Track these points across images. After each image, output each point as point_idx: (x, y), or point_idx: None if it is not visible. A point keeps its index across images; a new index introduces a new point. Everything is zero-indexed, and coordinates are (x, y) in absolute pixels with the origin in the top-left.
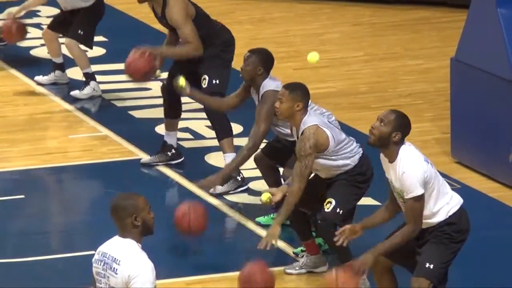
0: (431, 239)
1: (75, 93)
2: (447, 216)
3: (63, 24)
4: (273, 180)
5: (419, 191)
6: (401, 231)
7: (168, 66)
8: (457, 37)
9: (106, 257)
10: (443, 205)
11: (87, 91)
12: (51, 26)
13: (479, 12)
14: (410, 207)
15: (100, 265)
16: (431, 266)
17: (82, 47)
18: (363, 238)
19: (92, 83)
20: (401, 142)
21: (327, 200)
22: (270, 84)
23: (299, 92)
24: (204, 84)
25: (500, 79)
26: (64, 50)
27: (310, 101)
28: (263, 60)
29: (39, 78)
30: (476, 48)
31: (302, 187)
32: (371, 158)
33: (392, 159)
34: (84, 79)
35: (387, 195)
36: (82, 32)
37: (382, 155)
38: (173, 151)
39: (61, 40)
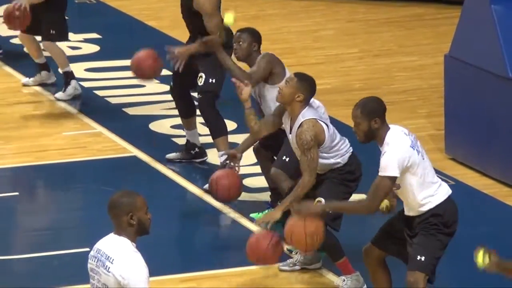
0: (420, 231)
1: (59, 95)
2: (433, 207)
3: (33, 24)
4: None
5: (391, 172)
6: (357, 202)
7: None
8: (451, 34)
9: (100, 254)
10: (428, 196)
11: (70, 91)
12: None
13: (473, 9)
14: (376, 184)
15: (94, 261)
16: (423, 259)
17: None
18: (357, 236)
19: (73, 82)
20: (384, 125)
21: (316, 200)
22: None
23: (305, 84)
24: (200, 82)
25: (494, 76)
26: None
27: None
28: (256, 36)
29: (25, 80)
30: (470, 44)
31: (313, 180)
32: (364, 155)
33: (381, 143)
34: (50, 81)
35: None
36: (54, 31)
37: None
38: (197, 149)
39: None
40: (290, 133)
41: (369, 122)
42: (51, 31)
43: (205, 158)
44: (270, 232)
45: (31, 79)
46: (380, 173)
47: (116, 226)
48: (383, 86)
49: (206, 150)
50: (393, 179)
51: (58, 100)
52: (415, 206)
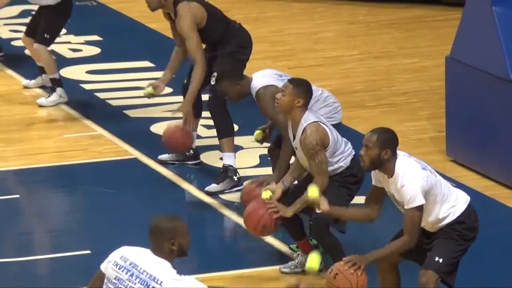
0: (441, 235)
1: (41, 101)
2: (455, 217)
3: (35, 27)
4: (283, 173)
5: (419, 202)
6: (397, 241)
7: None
8: (452, 36)
9: (136, 269)
10: (450, 208)
11: (53, 98)
12: (26, 32)
13: (474, 11)
14: (409, 217)
15: (126, 274)
16: (440, 260)
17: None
18: (359, 242)
19: (59, 89)
20: (394, 156)
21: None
22: (257, 83)
23: (302, 89)
24: (213, 81)
25: (495, 78)
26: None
27: (321, 90)
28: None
29: (26, 82)
30: (471, 46)
31: (326, 182)
32: None
33: (390, 174)
34: (50, 84)
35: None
36: (48, 36)
37: (379, 173)
38: (191, 151)
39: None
40: (294, 140)
41: (381, 151)
42: (45, 35)
43: (198, 161)
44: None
45: (32, 81)
46: (408, 206)
47: (155, 249)
48: (383, 88)
49: (205, 153)
50: (421, 207)
51: (41, 106)
52: (437, 222)
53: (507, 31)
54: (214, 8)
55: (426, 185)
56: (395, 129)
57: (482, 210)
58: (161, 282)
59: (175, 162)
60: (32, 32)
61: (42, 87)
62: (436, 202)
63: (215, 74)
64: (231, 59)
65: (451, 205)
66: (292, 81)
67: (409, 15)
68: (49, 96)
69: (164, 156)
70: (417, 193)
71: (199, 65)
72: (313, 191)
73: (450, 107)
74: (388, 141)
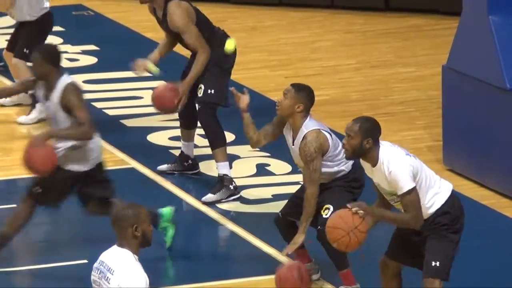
0: (430, 235)
1: (21, 119)
2: (440, 205)
3: (15, 42)
4: None
5: (410, 185)
6: (403, 214)
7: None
8: (449, 45)
9: (102, 266)
10: (434, 195)
11: (33, 115)
12: (8, 47)
13: (470, 20)
14: (408, 201)
15: (97, 273)
16: (437, 264)
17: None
18: (364, 246)
19: (38, 105)
20: (376, 145)
21: (324, 207)
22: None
23: (303, 94)
24: (200, 93)
25: (492, 87)
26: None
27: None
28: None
29: (2, 100)
30: (467, 55)
31: (315, 192)
32: None
33: (374, 163)
34: (30, 101)
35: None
36: (27, 51)
37: (362, 161)
38: (190, 161)
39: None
40: (293, 145)
41: (362, 140)
42: (25, 50)
43: (197, 171)
44: (296, 262)
45: (7, 99)
46: (402, 192)
47: (119, 238)
48: (380, 97)
49: (202, 162)
50: (415, 188)
51: (21, 124)
52: (424, 210)
53: (503, 40)
54: (201, 13)
55: (413, 169)
56: (392, 138)
57: (479, 219)
58: (113, 271)
59: (175, 172)
60: (13, 47)
61: (18, 105)
62: (421, 188)
63: (202, 86)
64: (215, 69)
65: (435, 192)
66: (294, 85)
67: (406, 24)
68: (28, 113)
69: (163, 167)
70: (405, 177)
71: (204, 51)
72: (229, 43)
73: (447, 116)
74: (369, 130)
